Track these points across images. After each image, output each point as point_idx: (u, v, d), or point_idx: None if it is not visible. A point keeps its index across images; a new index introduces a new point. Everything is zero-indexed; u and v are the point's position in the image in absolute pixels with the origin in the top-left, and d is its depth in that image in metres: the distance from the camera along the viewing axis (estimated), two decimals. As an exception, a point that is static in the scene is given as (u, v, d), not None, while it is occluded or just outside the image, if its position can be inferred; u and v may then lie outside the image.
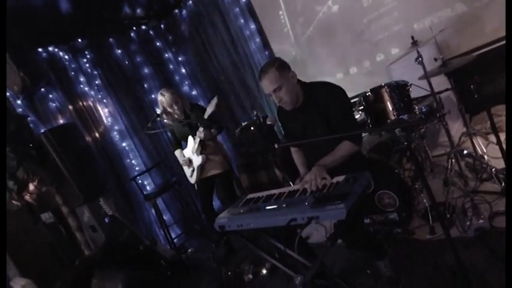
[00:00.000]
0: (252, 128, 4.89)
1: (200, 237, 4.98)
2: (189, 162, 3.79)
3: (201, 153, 3.68)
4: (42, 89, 4.61)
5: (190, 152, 3.77)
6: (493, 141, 3.27)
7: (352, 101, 3.47)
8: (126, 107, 5.48)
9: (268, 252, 2.13)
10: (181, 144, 3.95)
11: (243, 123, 4.99)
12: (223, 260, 3.93)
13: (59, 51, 5.01)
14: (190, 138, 3.74)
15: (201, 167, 3.75)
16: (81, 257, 3.92)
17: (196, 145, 3.64)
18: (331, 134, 2.29)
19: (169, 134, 5.51)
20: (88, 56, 5.31)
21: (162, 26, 6.36)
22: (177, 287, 3.71)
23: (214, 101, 3.39)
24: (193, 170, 3.78)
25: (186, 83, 6.42)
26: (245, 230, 2.03)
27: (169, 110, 3.63)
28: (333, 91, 2.40)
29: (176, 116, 3.69)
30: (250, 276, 3.33)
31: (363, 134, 3.71)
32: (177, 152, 3.92)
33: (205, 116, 3.44)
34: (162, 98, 3.61)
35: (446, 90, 3.30)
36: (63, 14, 4.59)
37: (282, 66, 2.32)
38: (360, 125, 3.55)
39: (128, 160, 5.32)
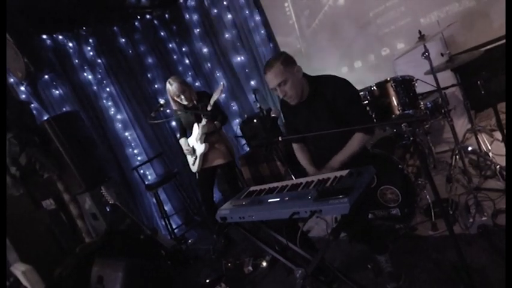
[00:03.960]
0: (255, 121, 4.87)
1: (201, 228, 4.99)
2: (193, 150, 3.78)
3: (204, 142, 3.68)
4: (46, 76, 4.59)
5: (194, 140, 3.76)
6: (498, 138, 3.26)
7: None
8: (129, 96, 5.46)
9: (269, 245, 2.12)
10: (186, 133, 3.94)
11: (246, 116, 4.97)
12: (223, 251, 3.93)
13: (63, 39, 4.99)
14: (195, 126, 3.72)
15: (204, 156, 3.74)
16: (81, 245, 3.92)
17: (201, 133, 3.64)
18: (339, 128, 2.28)
19: (172, 123, 5.53)
20: (92, 44, 5.28)
21: (166, 15, 6.32)
22: (176, 277, 3.73)
23: (220, 87, 3.38)
24: (195, 159, 3.77)
25: (190, 73, 6.39)
26: (247, 222, 2.02)
27: (176, 99, 3.62)
28: (340, 83, 2.38)
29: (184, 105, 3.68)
30: (250, 268, 3.33)
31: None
32: (182, 140, 3.91)
33: (211, 102, 3.43)
34: (170, 87, 3.60)
35: (453, 86, 3.27)
36: (68, 2, 4.56)
37: (287, 61, 2.32)
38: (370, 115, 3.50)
39: (130, 150, 5.31)
